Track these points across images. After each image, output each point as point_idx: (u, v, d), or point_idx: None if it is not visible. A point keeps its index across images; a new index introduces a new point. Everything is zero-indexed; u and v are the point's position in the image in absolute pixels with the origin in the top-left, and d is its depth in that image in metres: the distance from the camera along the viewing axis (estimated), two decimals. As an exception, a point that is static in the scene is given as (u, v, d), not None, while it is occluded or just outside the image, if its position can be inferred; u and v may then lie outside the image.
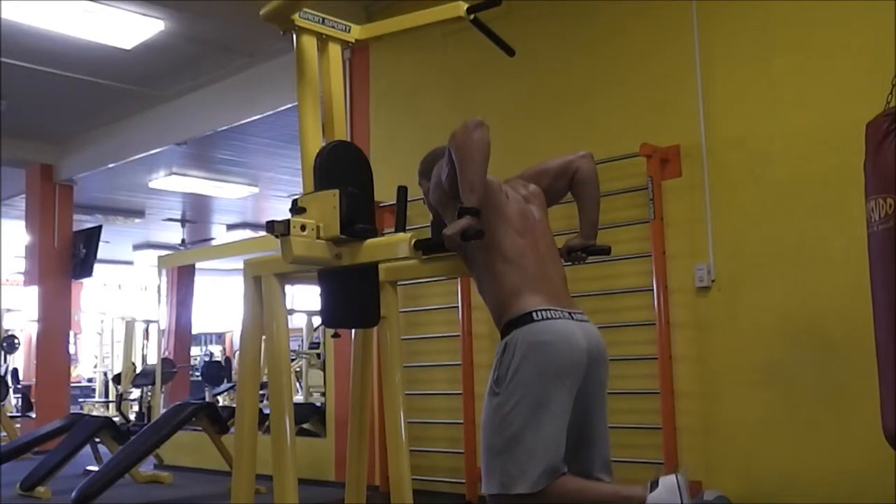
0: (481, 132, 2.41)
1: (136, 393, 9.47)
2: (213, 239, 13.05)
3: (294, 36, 2.93)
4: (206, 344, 17.03)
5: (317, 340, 10.00)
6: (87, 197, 9.84)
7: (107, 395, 12.62)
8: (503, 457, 2.39)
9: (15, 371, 10.59)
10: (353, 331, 3.28)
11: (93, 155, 8.68)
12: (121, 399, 8.97)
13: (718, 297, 4.13)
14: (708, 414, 4.12)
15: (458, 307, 5.00)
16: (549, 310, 2.42)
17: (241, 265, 3.11)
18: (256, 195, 10.27)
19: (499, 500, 2.44)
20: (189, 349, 12.88)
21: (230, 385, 9.65)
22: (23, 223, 9.35)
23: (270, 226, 2.58)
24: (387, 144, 5.62)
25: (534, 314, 2.41)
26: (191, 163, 8.94)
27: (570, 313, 2.47)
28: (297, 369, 10.03)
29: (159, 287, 9.26)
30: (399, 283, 3.28)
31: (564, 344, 2.40)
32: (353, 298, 2.93)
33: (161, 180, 9.39)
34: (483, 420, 2.49)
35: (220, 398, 9.62)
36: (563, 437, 2.40)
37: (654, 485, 2.28)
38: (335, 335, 4.35)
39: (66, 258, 9.17)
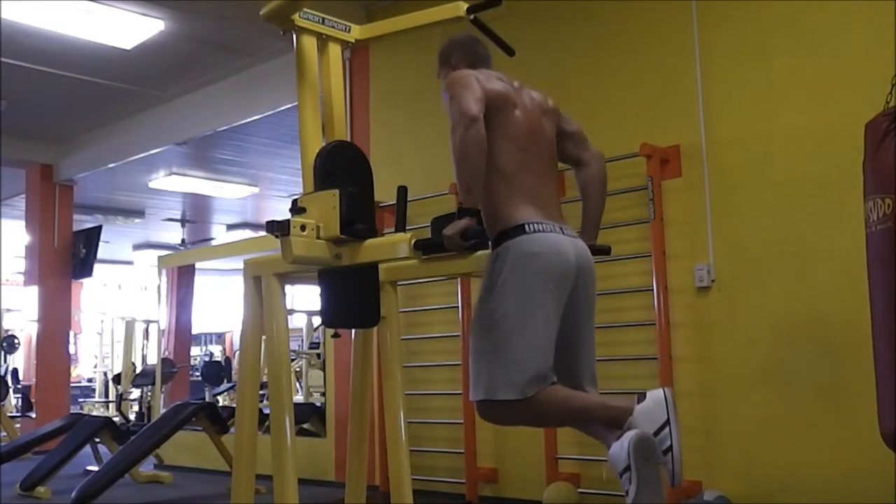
0: (476, 128, 2.42)
1: (136, 393, 9.46)
2: (213, 239, 13.05)
3: (294, 36, 2.93)
4: (206, 344, 17.01)
5: (317, 340, 10.00)
6: (87, 197, 9.83)
7: (107, 395, 12.61)
8: (490, 361, 2.41)
9: (15, 371, 10.58)
10: (353, 331, 3.28)
11: (93, 155, 8.68)
12: (121, 399, 8.96)
13: (718, 297, 4.14)
14: (708, 414, 4.12)
15: (458, 307, 5.00)
16: (541, 223, 2.47)
17: (241, 265, 3.11)
18: (256, 195, 10.27)
19: (485, 406, 2.46)
20: (189, 349, 12.86)
21: (230, 385, 9.64)
22: (23, 223, 9.35)
23: (270, 226, 2.59)
24: (387, 144, 5.62)
25: (526, 226, 2.45)
26: (191, 163, 8.94)
27: (560, 227, 2.51)
28: (297, 369, 10.03)
29: (159, 287, 9.27)
30: (399, 283, 3.28)
31: (554, 255, 2.44)
32: (353, 298, 2.93)
33: (161, 180, 9.39)
34: (472, 326, 2.53)
35: (220, 398, 9.61)
36: (552, 347, 2.42)
37: (642, 397, 2.35)
38: (335, 335, 4.35)
39: (66, 258, 9.16)
